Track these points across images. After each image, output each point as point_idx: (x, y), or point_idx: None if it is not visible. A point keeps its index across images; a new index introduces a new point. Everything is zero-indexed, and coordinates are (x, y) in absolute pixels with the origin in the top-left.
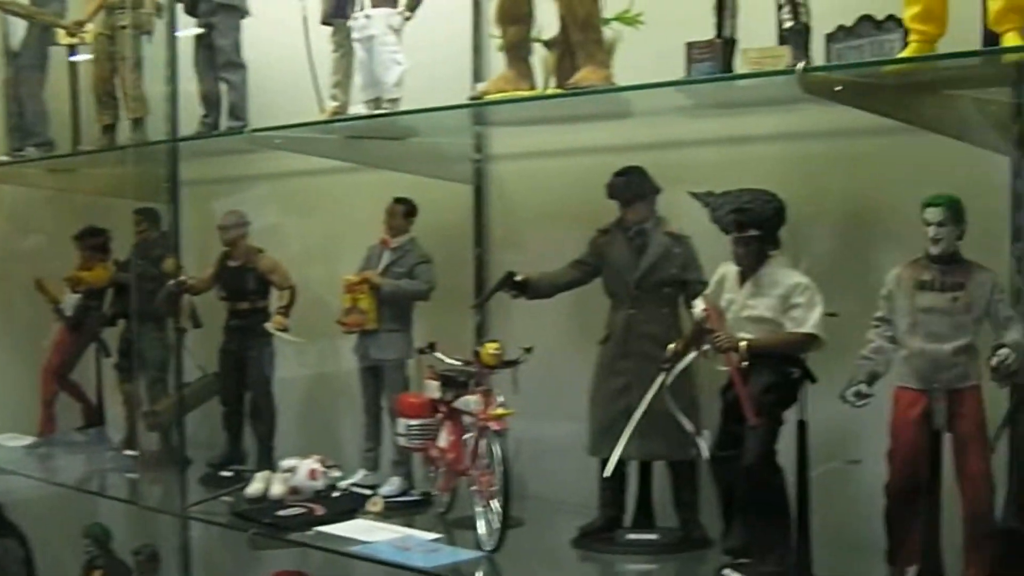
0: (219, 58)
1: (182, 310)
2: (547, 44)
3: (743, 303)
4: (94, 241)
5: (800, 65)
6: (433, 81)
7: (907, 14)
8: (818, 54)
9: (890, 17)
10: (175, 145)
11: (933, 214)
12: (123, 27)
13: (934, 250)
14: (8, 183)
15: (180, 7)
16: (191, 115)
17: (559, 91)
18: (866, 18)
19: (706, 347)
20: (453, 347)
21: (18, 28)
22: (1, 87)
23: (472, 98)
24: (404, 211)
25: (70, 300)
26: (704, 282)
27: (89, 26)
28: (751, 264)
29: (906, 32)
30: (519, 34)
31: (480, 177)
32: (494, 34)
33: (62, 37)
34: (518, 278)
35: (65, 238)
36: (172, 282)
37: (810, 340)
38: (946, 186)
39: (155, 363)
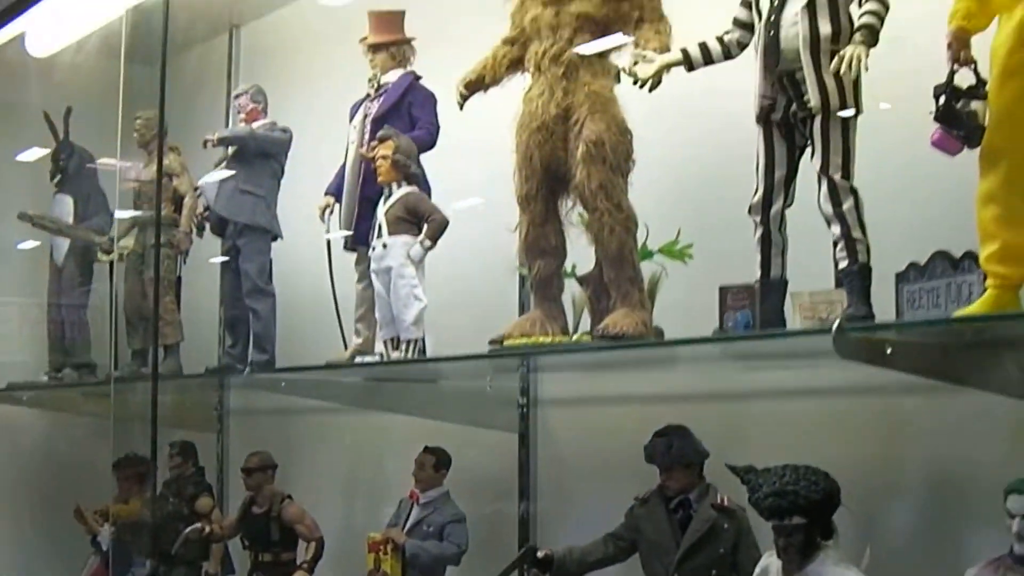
0: (245, 284)
1: (213, 555)
2: (580, 280)
3: None
4: (132, 471)
5: (835, 323)
6: (478, 317)
7: (983, 255)
8: (885, 297)
9: (967, 255)
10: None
11: (1017, 503)
12: (153, 246)
13: (1019, 548)
14: (44, 408)
15: None
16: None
17: (581, 340)
18: (941, 255)
19: None
20: None
21: (63, 242)
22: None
23: (492, 341)
24: (435, 462)
25: (105, 532)
26: None
27: (127, 242)
28: (795, 558)
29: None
30: (548, 269)
31: (526, 424)
32: (521, 269)
33: (100, 254)
34: (540, 554)
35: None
36: (190, 528)
37: None
38: None
39: None
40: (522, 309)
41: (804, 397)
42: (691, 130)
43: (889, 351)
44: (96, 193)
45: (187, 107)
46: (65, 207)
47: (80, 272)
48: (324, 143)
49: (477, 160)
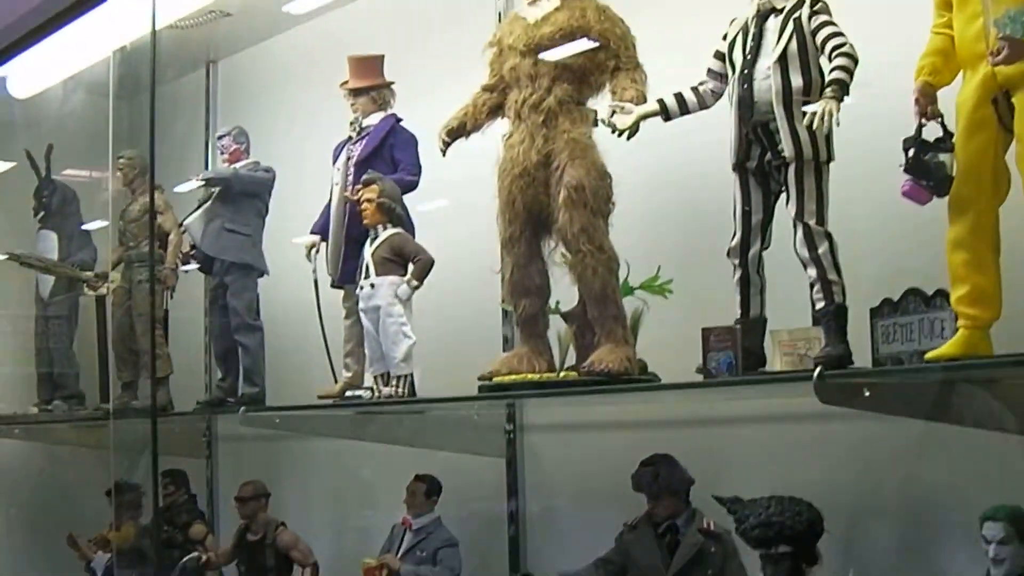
0: (233, 320)
1: None
2: (565, 317)
3: None
4: (125, 498)
5: (816, 371)
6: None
7: (953, 297)
8: (860, 329)
9: (939, 292)
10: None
11: (992, 530)
12: (141, 281)
13: (996, 572)
14: (34, 440)
15: None
16: None
17: (567, 377)
18: (913, 292)
19: None
20: None
21: (49, 277)
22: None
23: (482, 378)
24: (426, 489)
25: (100, 560)
26: None
27: (114, 276)
28: None
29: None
30: (533, 307)
31: (512, 450)
32: (505, 305)
33: (87, 289)
34: None
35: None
36: (189, 557)
37: None
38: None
39: None
40: (506, 341)
41: (784, 423)
42: (671, 175)
43: (867, 393)
44: (80, 228)
45: (165, 143)
46: (49, 243)
47: (66, 305)
48: (303, 175)
49: (460, 198)
